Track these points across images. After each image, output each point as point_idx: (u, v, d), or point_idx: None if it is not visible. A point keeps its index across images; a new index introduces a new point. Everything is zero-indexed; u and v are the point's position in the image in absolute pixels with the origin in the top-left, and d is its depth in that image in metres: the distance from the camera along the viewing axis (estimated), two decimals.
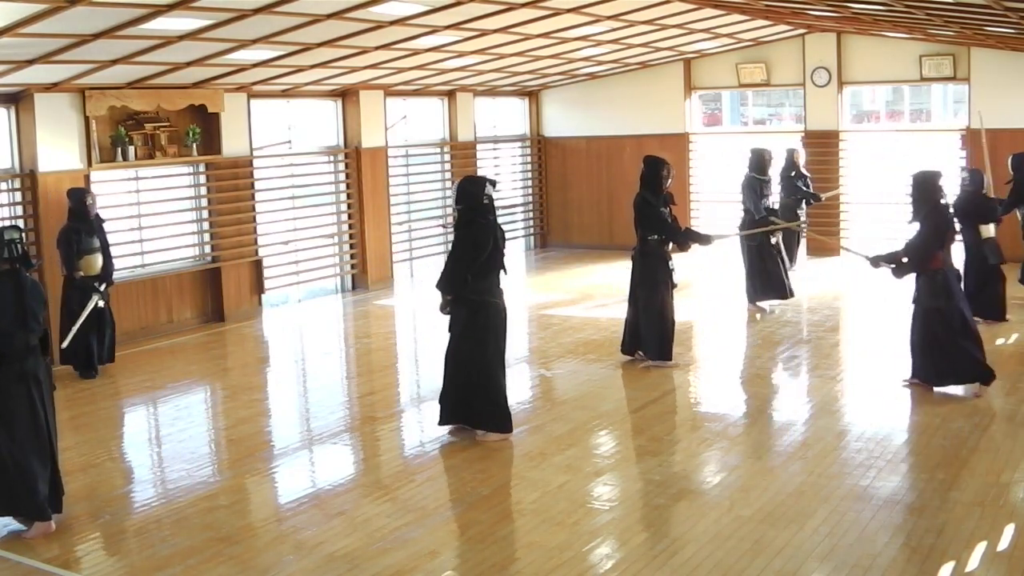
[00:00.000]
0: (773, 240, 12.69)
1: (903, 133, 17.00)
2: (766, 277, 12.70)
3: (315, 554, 6.13)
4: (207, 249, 13.33)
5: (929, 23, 11.92)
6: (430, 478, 7.49)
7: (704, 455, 7.87)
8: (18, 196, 11.31)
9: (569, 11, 11.46)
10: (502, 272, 8.20)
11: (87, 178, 11.67)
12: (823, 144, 16.70)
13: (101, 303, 10.24)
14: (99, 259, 10.45)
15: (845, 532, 6.18)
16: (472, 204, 8.03)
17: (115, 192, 12.41)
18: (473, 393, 8.14)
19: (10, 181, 11.27)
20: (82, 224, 10.36)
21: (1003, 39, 12.91)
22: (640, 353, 10.33)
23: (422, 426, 9.04)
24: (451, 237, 9.73)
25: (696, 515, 6.57)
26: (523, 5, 10.80)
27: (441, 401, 8.38)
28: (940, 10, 10.12)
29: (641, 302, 10.13)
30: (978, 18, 10.36)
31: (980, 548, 5.92)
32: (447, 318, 8.22)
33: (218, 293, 13.28)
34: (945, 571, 5.66)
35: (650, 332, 10.11)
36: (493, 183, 8.28)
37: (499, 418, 8.18)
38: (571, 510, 6.78)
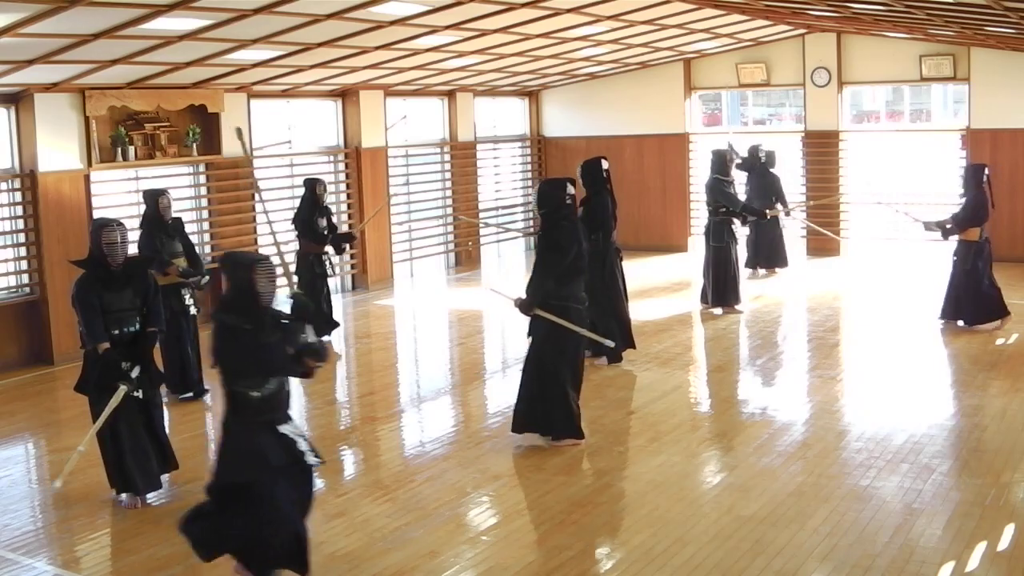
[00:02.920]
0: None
1: (903, 133, 17.00)
2: (724, 284, 12.65)
3: (315, 554, 6.10)
4: (207, 249, 13.31)
5: (929, 23, 11.91)
6: (430, 478, 7.49)
7: (704, 455, 7.88)
8: (18, 196, 11.31)
9: (569, 11, 11.46)
10: (584, 276, 7.95)
11: (87, 178, 11.67)
12: (823, 144, 16.70)
13: (193, 309, 9.68)
14: (183, 264, 9.68)
15: (845, 532, 6.18)
16: (554, 207, 7.81)
17: (115, 192, 12.41)
18: (552, 403, 7.82)
19: (10, 181, 11.27)
20: (160, 228, 9.52)
21: (1003, 39, 12.91)
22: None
23: (422, 426, 9.05)
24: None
25: (696, 515, 6.57)
26: (523, 5, 10.80)
27: (517, 408, 7.98)
28: (940, 10, 10.12)
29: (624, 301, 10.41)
30: (978, 18, 10.36)
31: (980, 548, 5.92)
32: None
33: (219, 293, 13.24)
34: (945, 571, 5.66)
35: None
36: (572, 182, 8.01)
37: (574, 424, 7.97)
38: (571, 510, 6.78)
